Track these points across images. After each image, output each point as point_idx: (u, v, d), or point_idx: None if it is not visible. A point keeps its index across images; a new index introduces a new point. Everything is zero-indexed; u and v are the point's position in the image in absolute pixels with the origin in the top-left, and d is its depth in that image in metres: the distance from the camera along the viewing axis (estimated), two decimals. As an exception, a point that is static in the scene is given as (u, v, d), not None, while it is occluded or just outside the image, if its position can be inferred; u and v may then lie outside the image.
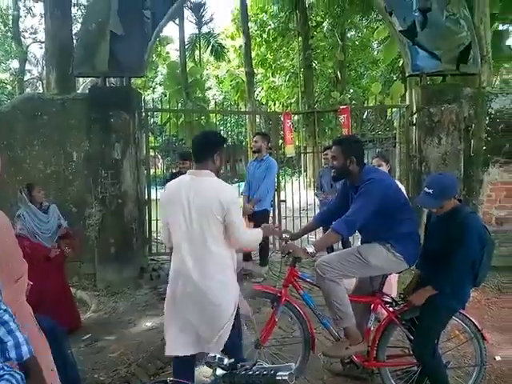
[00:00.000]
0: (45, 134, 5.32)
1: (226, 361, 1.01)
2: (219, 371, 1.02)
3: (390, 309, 2.77)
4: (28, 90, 22.47)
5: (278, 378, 0.93)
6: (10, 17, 18.11)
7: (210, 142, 2.35)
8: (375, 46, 20.82)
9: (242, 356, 2.41)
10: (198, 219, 2.19)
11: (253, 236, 2.51)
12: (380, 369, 2.78)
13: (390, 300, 2.82)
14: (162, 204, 2.37)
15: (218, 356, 1.03)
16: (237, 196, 2.35)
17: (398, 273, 2.88)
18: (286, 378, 0.92)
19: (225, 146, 2.43)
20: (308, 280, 2.92)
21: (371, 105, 8.23)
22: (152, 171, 6.64)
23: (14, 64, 23.80)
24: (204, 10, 19.90)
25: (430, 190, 2.46)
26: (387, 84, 15.36)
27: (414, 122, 5.67)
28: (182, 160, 5.12)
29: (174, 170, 6.60)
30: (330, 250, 4.79)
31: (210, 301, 2.19)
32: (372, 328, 2.81)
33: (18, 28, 18.02)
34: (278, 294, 2.82)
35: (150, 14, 5.25)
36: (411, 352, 2.68)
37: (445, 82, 5.39)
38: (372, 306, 2.79)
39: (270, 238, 5.55)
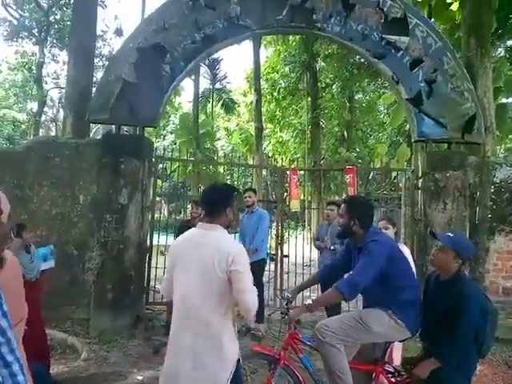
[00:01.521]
0: (55, 175, 5.42)
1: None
2: None
3: (392, 379, 2.66)
4: (42, 130, 23.19)
5: None
6: (35, 62, 19.13)
7: (223, 195, 2.30)
8: (382, 108, 21.58)
9: None
10: (200, 279, 2.08)
11: (255, 306, 2.21)
12: None
13: (392, 370, 2.71)
14: (169, 257, 2.29)
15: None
16: (245, 253, 2.23)
17: (401, 341, 2.78)
18: None
19: (234, 198, 2.36)
20: (308, 343, 2.82)
21: (377, 166, 8.38)
22: (156, 216, 6.67)
23: (33, 105, 24.81)
24: (218, 68, 20.95)
25: (451, 235, 2.55)
26: (393, 146, 15.73)
27: (420, 185, 5.74)
28: (196, 206, 5.23)
29: (183, 218, 6.61)
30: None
31: (201, 367, 2.03)
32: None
33: (41, 73, 18.96)
34: (277, 357, 2.72)
35: (169, 69, 5.52)
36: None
37: (450, 150, 5.51)
38: (374, 374, 2.68)
39: (265, 293, 5.45)
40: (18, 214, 5.27)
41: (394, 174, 10.83)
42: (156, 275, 6.06)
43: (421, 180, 5.72)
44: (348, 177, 6.58)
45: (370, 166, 9.55)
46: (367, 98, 21.84)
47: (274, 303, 6.05)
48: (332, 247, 5.18)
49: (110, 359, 4.30)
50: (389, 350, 2.72)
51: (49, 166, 5.44)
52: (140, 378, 3.89)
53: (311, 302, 2.70)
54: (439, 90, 5.37)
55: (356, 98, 21.27)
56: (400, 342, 2.80)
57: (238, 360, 2.13)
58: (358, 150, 21.72)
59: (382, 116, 21.38)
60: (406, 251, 3.39)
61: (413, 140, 5.87)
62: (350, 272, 2.60)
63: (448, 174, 5.29)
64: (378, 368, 2.67)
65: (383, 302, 2.61)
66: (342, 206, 2.86)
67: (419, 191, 5.78)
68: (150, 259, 5.82)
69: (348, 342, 2.67)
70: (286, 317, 2.74)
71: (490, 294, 5.17)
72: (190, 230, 2.35)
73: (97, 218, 5.24)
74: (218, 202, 2.25)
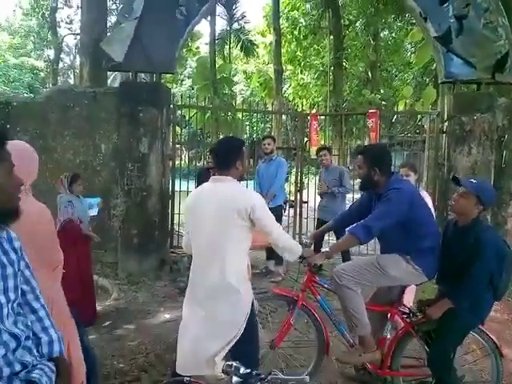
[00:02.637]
0: (76, 125, 5.49)
1: (242, 370, 1.05)
2: (235, 379, 1.05)
3: (407, 320, 2.76)
4: (60, 78, 23.11)
5: None
6: (48, 7, 18.65)
7: (233, 149, 2.32)
8: (409, 47, 20.40)
9: (256, 363, 2.29)
10: (217, 229, 2.15)
11: (292, 244, 2.40)
12: (393, 378, 2.77)
13: (407, 311, 2.80)
14: (187, 211, 2.36)
15: (234, 364, 1.06)
16: (260, 198, 2.31)
17: (417, 285, 2.85)
18: None
19: (244, 148, 2.41)
20: (325, 286, 2.92)
21: (401, 109, 8.09)
22: (176, 163, 6.74)
23: (50, 52, 24.56)
24: (236, 7, 19.93)
25: (474, 181, 2.55)
26: (419, 87, 15.05)
27: (445, 129, 5.55)
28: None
29: (204, 165, 6.65)
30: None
31: (220, 319, 2.14)
32: (388, 337, 2.79)
33: (55, 18, 18.55)
34: (295, 298, 2.84)
35: (184, 11, 5.31)
36: (426, 363, 2.65)
37: (479, 91, 5.25)
38: (389, 315, 2.78)
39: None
40: (44, 163, 5.44)
41: (419, 116, 10.48)
42: (179, 220, 6.26)
43: (446, 123, 5.53)
44: (370, 121, 6.41)
45: (394, 109, 9.22)
46: (393, 35, 20.61)
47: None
48: (331, 190, 5.32)
49: (139, 299, 4.59)
50: (404, 292, 2.79)
51: (69, 115, 5.49)
52: (167, 316, 4.16)
53: (328, 249, 2.77)
54: (470, 26, 5.02)
55: (381, 35, 20.08)
56: (416, 285, 2.86)
57: (252, 302, 2.24)
58: (382, 91, 20.89)
59: (408, 55, 20.26)
60: (427, 198, 3.35)
61: (440, 81, 5.60)
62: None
63: (475, 117, 5.09)
64: (394, 309, 2.76)
65: (402, 248, 2.64)
66: (359, 157, 2.79)
67: (444, 135, 5.61)
68: (172, 205, 5.98)
69: (365, 285, 2.75)
70: (304, 261, 2.82)
71: (511, 238, 5.15)
72: (204, 184, 2.40)
73: (119, 167, 5.35)
74: (228, 156, 2.29)
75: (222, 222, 2.15)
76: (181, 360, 2.20)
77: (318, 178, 6.35)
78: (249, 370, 1.04)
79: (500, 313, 4.48)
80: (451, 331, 2.49)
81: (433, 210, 3.18)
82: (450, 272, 2.54)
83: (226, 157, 2.29)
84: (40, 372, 1.35)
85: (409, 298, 3.16)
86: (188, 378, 1.15)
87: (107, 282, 4.95)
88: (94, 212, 4.35)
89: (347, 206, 5.72)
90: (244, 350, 2.13)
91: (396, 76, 21.77)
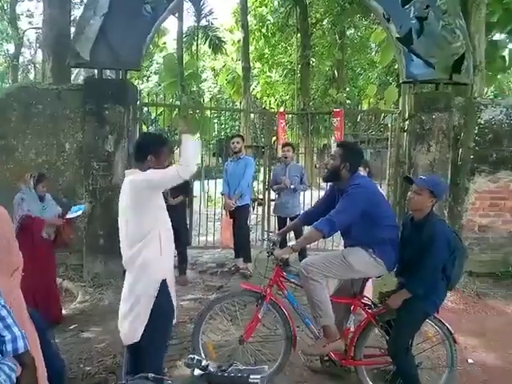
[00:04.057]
0: (38, 123, 5.33)
1: (203, 362, 1.09)
2: (197, 371, 1.09)
3: (369, 311, 2.88)
4: (20, 74, 22.21)
5: (250, 380, 1.01)
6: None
7: (146, 144, 2.48)
8: (373, 46, 20.91)
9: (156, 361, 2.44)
10: (126, 215, 2.38)
11: (187, 153, 2.39)
12: (357, 367, 2.90)
13: (369, 302, 2.93)
14: None
15: (196, 357, 1.11)
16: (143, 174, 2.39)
17: (378, 277, 2.99)
18: (258, 381, 1.00)
19: (162, 147, 2.47)
20: (292, 280, 3.01)
21: (365, 108, 8.33)
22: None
23: (8, 46, 23.51)
24: (204, 4, 19.76)
25: (425, 177, 2.73)
26: (382, 86, 15.46)
27: (406, 128, 5.77)
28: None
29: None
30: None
31: (130, 291, 2.39)
32: (351, 328, 2.92)
33: (15, 12, 17.79)
34: (263, 293, 2.91)
35: (150, 9, 5.26)
36: (387, 352, 2.79)
37: (437, 91, 5.48)
38: (352, 307, 2.90)
39: (253, 235, 5.69)
40: (5, 162, 5.26)
41: (382, 115, 10.79)
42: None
43: (407, 122, 5.75)
44: (335, 120, 6.57)
45: (358, 108, 9.49)
46: (359, 34, 21.04)
47: (262, 245, 6.29)
48: (292, 186, 5.49)
49: (105, 301, 4.53)
50: (365, 284, 2.92)
51: (31, 113, 5.32)
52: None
53: (295, 244, 2.89)
54: (430, 27, 5.23)
55: (348, 34, 20.45)
56: (376, 278, 3.00)
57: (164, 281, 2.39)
58: (348, 90, 21.32)
59: (373, 54, 20.76)
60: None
61: (401, 81, 5.81)
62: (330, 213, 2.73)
63: (434, 116, 5.31)
64: (356, 301, 2.89)
65: (364, 241, 2.78)
66: (336, 149, 2.97)
67: (405, 133, 5.83)
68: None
69: (330, 278, 2.86)
70: (272, 256, 2.91)
71: (466, 231, 5.44)
72: None
73: (84, 166, 5.25)
74: (141, 149, 2.45)
75: (127, 208, 2.35)
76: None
77: (271, 173, 6.45)
78: (209, 362, 1.09)
79: (456, 303, 4.74)
80: (408, 319, 2.65)
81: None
82: (407, 265, 2.69)
83: (139, 151, 2.46)
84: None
85: (370, 290, 3.29)
86: (152, 374, 1.19)
87: (72, 285, 4.86)
88: (76, 213, 4.15)
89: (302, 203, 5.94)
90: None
91: (361, 75, 22.27)
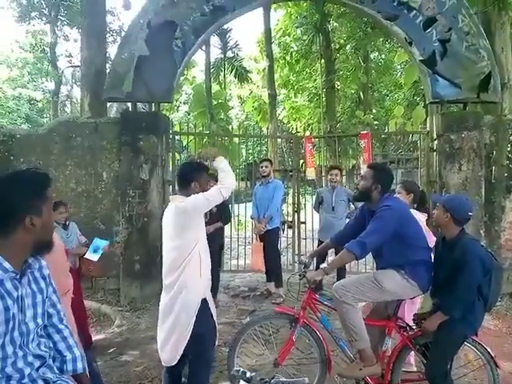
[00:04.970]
0: (78, 154, 5.64)
1: (248, 374, 1.15)
2: (242, 383, 1.16)
3: (405, 333, 2.85)
4: (58, 108, 23.51)
5: None
6: (48, 42, 19.20)
7: (189, 172, 2.66)
8: (398, 68, 20.94)
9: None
10: (167, 240, 2.53)
11: (229, 183, 2.61)
12: (394, 392, 2.84)
13: (404, 325, 2.90)
14: None
15: (241, 369, 1.17)
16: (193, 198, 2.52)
17: (412, 298, 2.95)
18: None
19: (203, 173, 2.68)
20: (325, 303, 3.02)
21: (392, 129, 8.32)
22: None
23: (47, 83, 25.06)
24: (229, 36, 20.57)
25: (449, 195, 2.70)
26: (410, 107, 15.40)
27: (435, 147, 5.74)
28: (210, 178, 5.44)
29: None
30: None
31: (171, 313, 2.51)
32: (387, 351, 2.88)
33: (55, 52, 19.06)
34: (296, 316, 2.93)
35: (180, 44, 5.56)
36: (424, 376, 2.73)
37: (465, 110, 5.46)
38: (387, 329, 2.87)
39: (284, 259, 5.72)
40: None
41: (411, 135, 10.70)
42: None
43: (436, 142, 5.72)
44: (363, 142, 6.61)
45: (385, 129, 9.49)
46: (383, 57, 21.17)
47: (293, 268, 6.30)
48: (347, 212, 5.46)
49: (142, 325, 4.65)
50: (400, 306, 2.89)
51: (71, 145, 5.65)
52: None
53: (327, 266, 2.91)
54: (454, 49, 5.27)
55: (371, 57, 20.62)
56: (410, 299, 2.97)
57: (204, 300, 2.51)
58: (374, 111, 21.29)
59: (398, 76, 20.76)
60: (420, 217, 3.43)
61: (427, 102, 5.83)
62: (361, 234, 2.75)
63: (463, 135, 5.28)
64: (391, 323, 2.86)
65: (396, 263, 2.77)
66: (367, 170, 3.01)
67: (434, 153, 5.79)
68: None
69: (363, 301, 2.86)
70: (304, 279, 2.94)
71: (505, 251, 5.28)
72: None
73: (120, 194, 5.48)
74: (184, 177, 2.62)
75: (172, 234, 2.49)
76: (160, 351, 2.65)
77: (313, 197, 6.48)
78: (254, 374, 1.15)
79: (498, 326, 4.56)
80: (446, 342, 2.59)
81: (425, 228, 3.28)
82: (442, 285, 2.66)
83: (183, 179, 2.63)
84: None
85: (413, 310, 3.24)
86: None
87: (109, 310, 5.00)
88: (95, 257, 4.04)
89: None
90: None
91: (387, 96, 22.25)
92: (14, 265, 1.39)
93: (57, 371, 1.53)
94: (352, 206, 5.62)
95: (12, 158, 5.57)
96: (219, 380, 3.24)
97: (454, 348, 2.64)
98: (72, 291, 2.12)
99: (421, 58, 5.40)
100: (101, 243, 4.11)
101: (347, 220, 5.64)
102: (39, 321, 1.48)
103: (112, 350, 3.94)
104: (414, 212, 3.21)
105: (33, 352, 1.44)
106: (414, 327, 2.84)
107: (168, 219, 2.54)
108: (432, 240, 3.01)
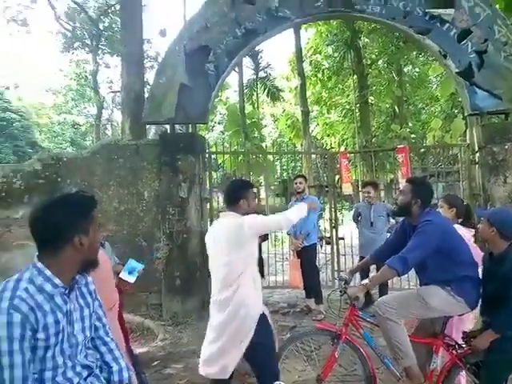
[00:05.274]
0: (120, 175, 5.88)
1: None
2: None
3: (454, 352, 2.75)
4: (100, 131, 24.67)
5: None
6: (90, 70, 20.38)
7: (237, 189, 2.76)
8: (434, 80, 20.58)
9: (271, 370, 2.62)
10: (224, 257, 2.55)
11: (294, 216, 2.74)
12: (445, 413, 2.73)
13: (452, 343, 2.80)
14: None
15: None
16: (250, 217, 2.63)
17: (460, 315, 2.85)
18: None
19: (250, 190, 2.79)
20: (368, 319, 2.98)
21: (430, 142, 8.16)
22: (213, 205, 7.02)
23: (89, 108, 26.42)
24: (261, 57, 21.03)
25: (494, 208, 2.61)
26: (448, 119, 15.04)
27: (477, 160, 5.58)
28: None
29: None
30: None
31: (225, 328, 2.54)
32: (436, 370, 2.78)
33: (96, 79, 20.19)
34: (338, 332, 2.90)
35: (214, 67, 5.76)
36: (478, 398, 2.62)
37: (507, 121, 5.30)
38: (434, 347, 2.78)
39: (323, 275, 5.67)
40: (93, 212, 5.83)
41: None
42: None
43: (477, 154, 5.56)
44: (400, 156, 6.52)
45: (423, 142, 9.31)
46: (417, 70, 20.88)
47: (333, 284, 6.21)
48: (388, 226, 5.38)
49: (184, 339, 4.72)
50: (448, 323, 2.80)
51: (113, 166, 5.90)
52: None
53: (368, 281, 2.87)
54: (491, 60, 5.16)
55: (405, 71, 20.40)
56: (458, 316, 2.86)
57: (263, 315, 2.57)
58: (411, 125, 20.92)
59: (433, 88, 20.38)
60: (465, 232, 3.32)
61: (466, 114, 5.71)
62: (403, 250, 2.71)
63: (506, 147, 5.12)
64: (438, 341, 2.77)
65: (441, 279, 2.69)
66: (406, 184, 2.98)
67: (476, 166, 5.63)
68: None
69: (407, 318, 2.80)
70: (345, 295, 2.91)
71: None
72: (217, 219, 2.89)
73: (161, 212, 5.65)
74: (233, 195, 2.71)
75: (226, 250, 2.54)
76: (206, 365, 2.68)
77: (351, 212, 6.42)
78: None
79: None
80: (498, 363, 2.48)
81: (471, 243, 3.17)
82: (491, 302, 2.56)
83: (231, 195, 2.72)
84: None
85: (463, 328, 3.10)
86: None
87: (152, 324, 5.11)
88: (132, 278, 4.10)
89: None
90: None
91: (423, 109, 21.84)
92: (63, 281, 1.50)
93: (104, 381, 1.62)
94: (392, 220, 5.51)
95: (59, 179, 5.88)
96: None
97: (507, 368, 2.52)
98: (118, 306, 2.21)
99: (457, 70, 5.32)
100: (136, 265, 4.13)
101: (388, 235, 5.58)
102: (87, 333, 1.58)
103: (156, 363, 4.03)
104: (458, 227, 3.12)
105: (81, 362, 1.54)
106: (464, 345, 2.73)
107: (220, 234, 2.60)
108: (479, 255, 2.91)
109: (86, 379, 1.54)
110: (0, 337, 1.33)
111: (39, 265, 1.48)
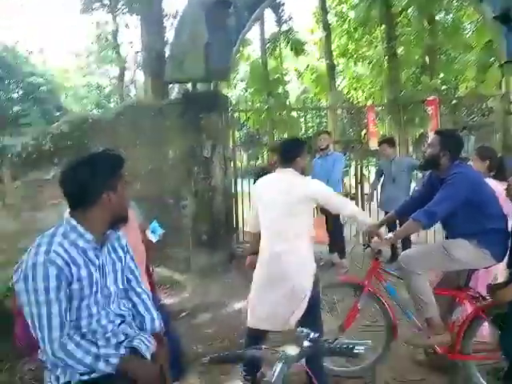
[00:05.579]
0: (144, 135, 5.93)
1: (311, 335, 1.22)
2: (306, 343, 1.22)
3: (477, 304, 2.76)
4: (124, 93, 24.71)
5: (355, 350, 1.11)
6: (110, 31, 20.11)
7: (294, 147, 2.74)
8: (469, 27, 19.23)
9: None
10: (283, 209, 2.55)
11: (359, 213, 2.87)
12: (465, 362, 2.78)
13: (477, 295, 2.80)
14: (254, 197, 2.78)
15: (305, 330, 1.23)
16: (319, 183, 2.70)
17: (487, 267, 2.82)
18: (362, 351, 1.10)
19: (305, 149, 2.77)
20: (391, 272, 3.00)
21: (462, 93, 7.77)
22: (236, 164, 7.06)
23: (110, 68, 26.36)
24: (283, 10, 20.07)
25: None
26: (483, 69, 14.14)
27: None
28: (272, 153, 5.47)
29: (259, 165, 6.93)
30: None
31: (287, 280, 2.54)
32: (457, 321, 2.81)
33: (117, 40, 19.95)
34: (361, 284, 2.95)
35: (234, 21, 5.57)
36: (499, 347, 2.64)
37: (547, 67, 4.96)
38: (457, 299, 2.80)
39: (347, 231, 5.71)
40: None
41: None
42: (243, 218, 6.54)
43: (512, 104, 5.28)
44: (430, 109, 6.28)
45: (455, 94, 8.87)
46: (450, 17, 19.50)
47: (357, 239, 6.23)
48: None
49: (211, 291, 4.92)
50: (473, 276, 2.79)
51: (138, 127, 5.94)
52: (239, 305, 4.41)
53: (392, 235, 2.87)
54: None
55: (437, 18, 19.09)
56: (485, 268, 2.84)
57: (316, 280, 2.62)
58: (442, 76, 19.84)
59: (468, 36, 19.06)
60: (494, 184, 3.21)
61: (502, 61, 5.36)
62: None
63: (544, 95, 4.82)
64: (462, 294, 2.78)
65: (468, 232, 2.66)
66: (434, 136, 2.89)
67: (511, 116, 5.36)
68: (236, 203, 6.29)
69: (431, 269, 2.80)
70: (369, 248, 2.94)
71: None
72: (270, 174, 2.83)
73: (186, 171, 5.72)
74: (289, 152, 2.70)
75: (287, 205, 2.55)
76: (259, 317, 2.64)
77: (375, 169, 6.33)
78: (318, 334, 1.21)
79: None
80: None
81: (503, 196, 3.07)
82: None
83: (288, 153, 2.70)
84: (139, 341, 1.67)
85: (484, 282, 3.09)
86: (265, 346, 1.34)
87: (181, 277, 5.33)
88: (154, 238, 4.14)
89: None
90: (307, 319, 2.50)
91: (456, 59, 20.58)
92: (95, 236, 1.58)
93: (135, 328, 1.72)
94: (420, 174, 5.42)
95: (86, 141, 5.99)
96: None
97: (530, 319, 2.51)
98: (145, 261, 2.31)
99: (494, 15, 4.95)
100: (158, 229, 4.22)
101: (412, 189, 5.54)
102: (119, 285, 1.68)
103: (184, 314, 4.24)
104: (490, 180, 3.03)
105: (114, 311, 1.65)
106: (488, 298, 2.73)
107: (282, 187, 2.60)
108: (511, 209, 2.83)
109: (118, 326, 1.65)
110: (38, 288, 1.43)
111: (72, 221, 1.55)
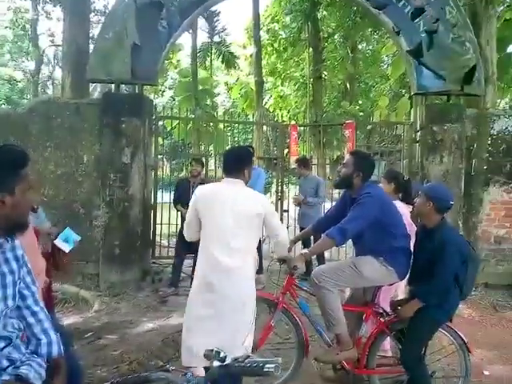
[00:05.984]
0: (58, 136, 5.50)
1: (221, 354, 1.15)
2: (216, 363, 1.16)
3: (381, 319, 2.89)
4: (39, 89, 22.93)
5: (265, 369, 1.07)
6: (28, 20, 18.59)
7: (243, 158, 2.62)
8: (386, 59, 21.01)
9: None
10: (236, 222, 2.42)
11: (287, 241, 2.79)
12: (370, 376, 2.90)
13: (381, 311, 2.94)
14: (196, 203, 2.52)
15: (215, 349, 1.17)
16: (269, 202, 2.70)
17: (390, 285, 2.99)
18: (272, 369, 1.07)
19: (252, 161, 2.70)
20: (305, 288, 3.05)
21: (376, 120, 8.38)
22: (158, 174, 6.80)
23: (28, 63, 24.36)
24: (217, 20, 20.22)
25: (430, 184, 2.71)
26: (395, 98, 15.50)
27: (418, 139, 5.80)
28: (196, 163, 5.51)
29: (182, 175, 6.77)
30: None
31: (237, 296, 2.44)
32: (363, 337, 2.92)
33: (36, 31, 18.47)
34: (276, 301, 2.95)
35: (166, 25, 5.44)
36: (400, 362, 2.79)
37: (449, 102, 5.51)
38: (364, 315, 2.91)
39: (265, 246, 5.79)
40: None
41: (395, 126, 10.79)
42: (161, 231, 6.30)
43: (419, 133, 5.77)
44: (347, 132, 6.64)
45: (370, 119, 9.55)
46: (371, 48, 21.18)
47: (274, 255, 6.32)
48: (306, 201, 5.77)
49: (121, 310, 4.61)
50: (378, 292, 2.93)
51: (51, 126, 5.50)
52: (150, 325, 4.19)
53: (307, 251, 2.93)
54: (440, 40, 5.29)
55: (359, 47, 20.62)
56: (389, 285, 3.01)
57: None
58: (360, 102, 21.36)
59: (385, 67, 20.84)
60: (400, 206, 3.42)
61: (412, 93, 5.86)
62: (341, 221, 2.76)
63: (445, 127, 5.34)
64: (369, 310, 2.90)
65: (375, 250, 2.80)
66: (349, 157, 2.99)
67: (417, 144, 5.85)
68: (154, 216, 6.02)
69: (341, 286, 2.89)
70: (284, 264, 2.96)
71: (482, 242, 5.40)
72: (216, 183, 2.71)
73: (101, 178, 5.38)
74: (238, 163, 2.57)
75: (240, 218, 2.42)
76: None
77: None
78: (227, 354, 1.15)
79: (472, 315, 4.68)
80: (420, 328, 2.65)
81: (407, 217, 3.29)
82: (419, 273, 2.70)
83: (237, 164, 2.57)
84: (28, 367, 1.45)
85: (386, 298, 3.27)
86: (173, 367, 1.25)
87: (88, 294, 4.93)
88: (67, 247, 3.74)
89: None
90: None
91: (373, 87, 22.32)
92: None
93: (25, 352, 1.50)
94: (322, 194, 5.85)
95: (-10, 137, 5.39)
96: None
97: (428, 333, 2.70)
98: (44, 274, 2.07)
99: (408, 49, 5.41)
100: (72, 235, 3.83)
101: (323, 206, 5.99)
102: (9, 302, 1.44)
103: (90, 334, 3.90)
104: (397, 202, 3.22)
105: None
106: (391, 313, 2.89)
107: (236, 199, 2.45)
108: (413, 231, 3.04)
109: (2, 350, 1.42)
110: None
111: None
